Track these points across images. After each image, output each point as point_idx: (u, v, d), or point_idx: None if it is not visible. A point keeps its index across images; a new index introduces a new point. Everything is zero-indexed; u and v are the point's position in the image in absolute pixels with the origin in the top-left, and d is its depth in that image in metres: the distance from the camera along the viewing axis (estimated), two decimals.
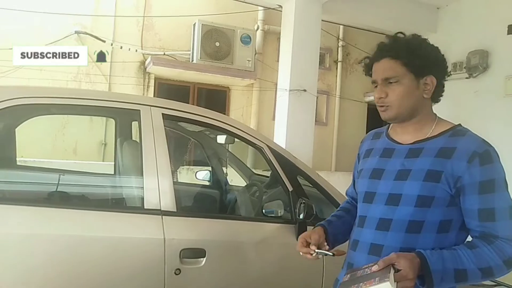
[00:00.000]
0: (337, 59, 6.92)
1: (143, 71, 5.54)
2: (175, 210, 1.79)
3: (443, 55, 1.16)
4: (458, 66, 4.88)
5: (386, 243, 1.09)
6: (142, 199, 1.77)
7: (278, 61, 5.06)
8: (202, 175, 3.34)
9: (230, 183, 3.09)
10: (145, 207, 1.75)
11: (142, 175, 1.79)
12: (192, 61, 5.49)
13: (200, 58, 5.38)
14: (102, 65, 5.26)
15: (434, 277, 0.98)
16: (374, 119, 6.78)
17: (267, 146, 2.10)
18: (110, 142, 5.23)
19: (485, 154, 1.03)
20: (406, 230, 1.07)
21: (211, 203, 2.92)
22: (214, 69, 5.44)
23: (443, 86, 1.17)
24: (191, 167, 4.64)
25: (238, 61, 5.59)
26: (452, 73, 4.97)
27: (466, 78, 4.79)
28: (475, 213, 1.03)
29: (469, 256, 1.00)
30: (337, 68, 6.92)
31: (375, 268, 0.99)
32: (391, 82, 1.11)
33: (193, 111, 2.01)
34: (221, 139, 2.59)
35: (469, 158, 1.03)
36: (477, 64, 4.62)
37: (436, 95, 1.16)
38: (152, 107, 1.90)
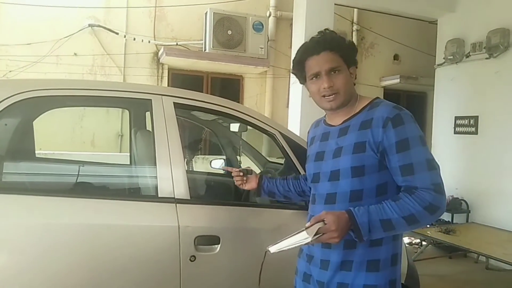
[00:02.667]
0: None
1: (156, 62, 5.56)
2: (189, 198, 1.80)
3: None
4: (478, 47, 4.71)
5: None
6: (156, 187, 1.79)
7: (291, 47, 5.00)
8: (217, 164, 3.35)
9: None
10: (159, 196, 1.77)
11: (155, 164, 1.81)
12: (205, 50, 5.48)
13: (213, 47, 5.36)
14: (116, 57, 5.30)
15: (361, 228, 1.13)
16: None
17: (280, 132, 2.09)
18: (126, 133, 5.31)
19: (396, 118, 1.17)
20: (349, 200, 1.22)
21: (225, 191, 2.93)
22: (227, 58, 5.41)
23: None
24: (206, 156, 4.68)
25: (250, 48, 5.54)
26: (471, 53, 4.84)
27: (486, 58, 4.62)
28: (398, 170, 1.17)
29: (392, 207, 1.14)
30: None
31: (307, 224, 1.13)
32: (334, 72, 1.25)
33: (204, 99, 2.01)
34: (234, 127, 2.59)
35: (383, 123, 1.17)
36: (498, 44, 4.45)
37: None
38: (163, 96, 1.91)
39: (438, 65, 5.31)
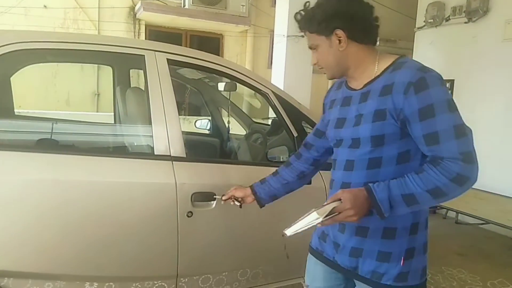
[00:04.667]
0: None
1: (133, 17, 5.31)
2: (185, 156, 1.81)
3: (346, 2, 1.17)
4: (458, 10, 4.77)
5: (352, 181, 1.20)
6: (152, 146, 1.78)
7: (273, 6, 4.88)
8: (202, 124, 3.34)
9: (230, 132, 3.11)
10: (156, 153, 1.76)
11: (150, 122, 1.79)
12: (184, 6, 5.26)
13: (192, 3, 5.16)
14: (89, 11, 5.01)
15: (382, 204, 1.06)
16: None
17: (272, 92, 2.09)
18: (103, 92, 5.14)
19: (420, 82, 1.05)
20: (367, 167, 1.16)
21: (215, 150, 2.95)
22: (206, 15, 5.24)
23: (365, 27, 1.19)
24: (187, 117, 4.62)
25: (231, 6, 5.38)
26: (451, 17, 4.90)
27: (465, 22, 4.70)
28: (422, 139, 1.07)
29: (415, 180, 1.06)
30: None
31: (325, 203, 1.08)
32: (315, 49, 1.22)
33: (198, 56, 1.97)
34: (222, 86, 2.56)
35: (405, 89, 1.06)
36: (477, 8, 4.51)
37: (363, 37, 1.19)
38: (156, 52, 1.85)
39: (418, 28, 5.36)
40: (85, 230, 1.63)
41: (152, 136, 1.78)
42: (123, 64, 2.59)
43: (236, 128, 3.17)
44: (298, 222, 1.08)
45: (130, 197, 1.69)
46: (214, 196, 1.71)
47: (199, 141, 3.05)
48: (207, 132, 3.31)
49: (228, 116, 2.86)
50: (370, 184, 1.09)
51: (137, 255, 1.74)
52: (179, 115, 1.85)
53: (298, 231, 1.08)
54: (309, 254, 1.42)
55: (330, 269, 1.32)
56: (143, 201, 1.71)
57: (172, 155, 1.78)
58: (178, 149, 1.80)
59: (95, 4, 5.03)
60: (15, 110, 2.70)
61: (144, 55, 1.83)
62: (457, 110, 1.07)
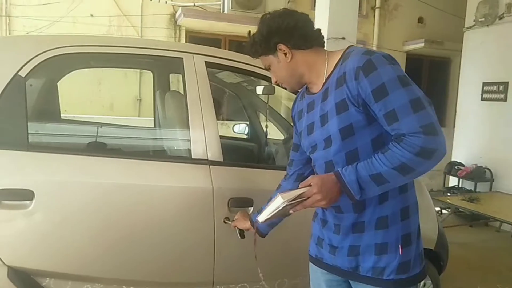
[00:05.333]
0: (375, 5, 6.49)
1: (173, 23, 5.42)
2: (222, 160, 1.77)
3: (278, 19, 1.20)
4: None
5: None
6: (189, 149, 1.75)
7: (312, 9, 4.79)
8: (240, 129, 3.31)
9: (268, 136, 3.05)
10: (193, 157, 1.74)
11: (188, 126, 1.76)
12: (223, 11, 5.30)
13: (231, 8, 5.18)
14: (133, 18, 5.17)
15: (350, 187, 1.07)
16: (413, 69, 6.44)
17: None
18: (145, 97, 5.28)
19: (367, 65, 1.06)
20: (346, 162, 1.14)
21: (253, 155, 2.90)
22: (246, 19, 5.23)
23: (303, 34, 1.21)
24: (225, 122, 4.63)
25: (270, 9, 5.32)
26: (505, 15, 4.58)
27: None
28: (383, 120, 1.07)
29: (381, 159, 1.05)
30: (374, 15, 6.51)
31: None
32: (269, 69, 1.28)
33: (237, 58, 1.93)
34: (260, 89, 2.51)
35: (355, 75, 1.07)
36: None
37: (304, 43, 1.21)
38: (194, 55, 1.83)
39: (467, 28, 5.06)
40: (123, 233, 1.62)
41: (189, 140, 1.76)
42: (162, 68, 2.61)
43: (274, 133, 3.11)
44: (267, 207, 1.12)
45: (168, 200, 1.67)
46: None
47: (237, 146, 3.02)
48: (245, 136, 3.27)
49: (266, 120, 2.79)
50: (339, 169, 1.10)
51: (173, 260, 1.72)
52: (217, 119, 1.82)
53: (268, 217, 1.12)
54: (309, 262, 1.40)
55: (331, 275, 1.29)
56: (180, 205, 1.69)
57: (209, 159, 1.74)
58: (215, 153, 1.76)
59: (138, 11, 5.19)
60: (62, 115, 2.80)
61: (182, 58, 1.81)
62: (411, 84, 1.06)
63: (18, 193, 1.49)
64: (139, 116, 5.10)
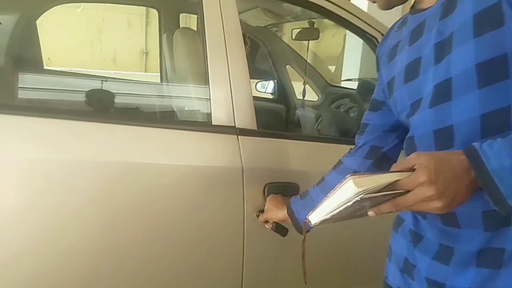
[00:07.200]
0: None
1: None
2: (256, 129, 1.22)
3: None
4: None
5: None
6: (208, 112, 1.20)
7: None
8: (265, 87, 2.73)
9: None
10: (214, 123, 1.19)
11: (206, 78, 1.20)
12: None
13: None
14: None
15: (500, 180, 0.52)
16: None
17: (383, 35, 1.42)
18: (151, 50, 4.69)
19: None
20: (481, 134, 0.61)
21: (284, 122, 2.34)
22: None
23: None
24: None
25: None
26: None
27: None
28: None
29: None
30: None
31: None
32: None
33: None
34: (300, 33, 1.90)
35: None
36: None
37: None
38: None
39: None
40: (124, 225, 1.11)
41: (209, 98, 1.20)
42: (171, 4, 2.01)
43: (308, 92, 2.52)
44: (327, 199, 0.58)
45: (175, 187, 1.14)
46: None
47: (272, 110, 2.44)
48: (271, 97, 2.70)
49: (305, 74, 2.19)
50: (475, 144, 0.56)
51: (189, 267, 1.22)
52: None
53: (326, 217, 0.59)
54: None
55: None
56: (193, 193, 1.15)
57: (237, 126, 1.20)
58: (247, 118, 1.21)
59: None
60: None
61: None
62: None
63: None
64: (145, 72, 4.52)
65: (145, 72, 4.53)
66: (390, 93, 0.80)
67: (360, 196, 0.53)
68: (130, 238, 1.12)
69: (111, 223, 1.08)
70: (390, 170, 0.59)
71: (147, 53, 4.59)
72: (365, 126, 0.93)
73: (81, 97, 1.71)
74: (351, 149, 0.98)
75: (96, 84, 2.11)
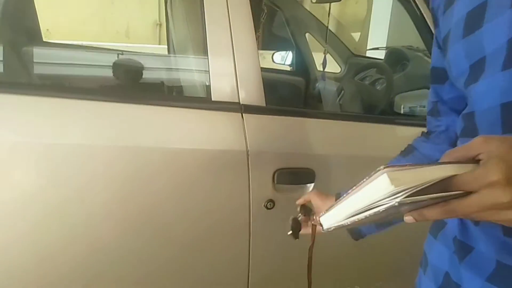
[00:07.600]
0: None
1: None
2: (264, 105, 1.04)
3: None
4: None
5: None
6: (207, 85, 1.02)
7: None
8: (282, 58, 2.51)
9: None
10: (213, 99, 1.01)
11: (204, 45, 1.02)
12: None
13: None
14: None
15: None
16: None
17: None
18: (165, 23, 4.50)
19: None
20: None
21: (302, 96, 2.13)
22: None
23: None
24: (260, 51, 3.78)
25: None
26: None
27: None
28: None
29: None
30: None
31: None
32: None
33: None
34: None
35: None
36: None
37: None
38: None
39: None
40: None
41: (208, 70, 1.02)
42: None
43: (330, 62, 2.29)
44: (347, 198, 0.41)
45: (164, 175, 0.98)
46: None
47: (281, 83, 2.24)
48: (289, 69, 2.48)
49: (326, 42, 1.96)
50: None
51: (188, 264, 1.08)
52: None
53: (345, 223, 0.42)
54: None
55: None
56: (188, 181, 0.99)
57: (242, 102, 1.01)
58: (253, 93, 1.02)
59: None
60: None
61: None
62: None
63: None
64: (159, 44, 4.35)
65: (159, 44, 4.36)
66: (445, 53, 0.59)
67: (398, 200, 0.35)
68: (117, 231, 0.98)
69: (101, 213, 0.94)
70: (441, 160, 0.40)
71: (160, 25, 4.40)
72: (436, 105, 0.70)
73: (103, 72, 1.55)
74: (423, 132, 0.76)
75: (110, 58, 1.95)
